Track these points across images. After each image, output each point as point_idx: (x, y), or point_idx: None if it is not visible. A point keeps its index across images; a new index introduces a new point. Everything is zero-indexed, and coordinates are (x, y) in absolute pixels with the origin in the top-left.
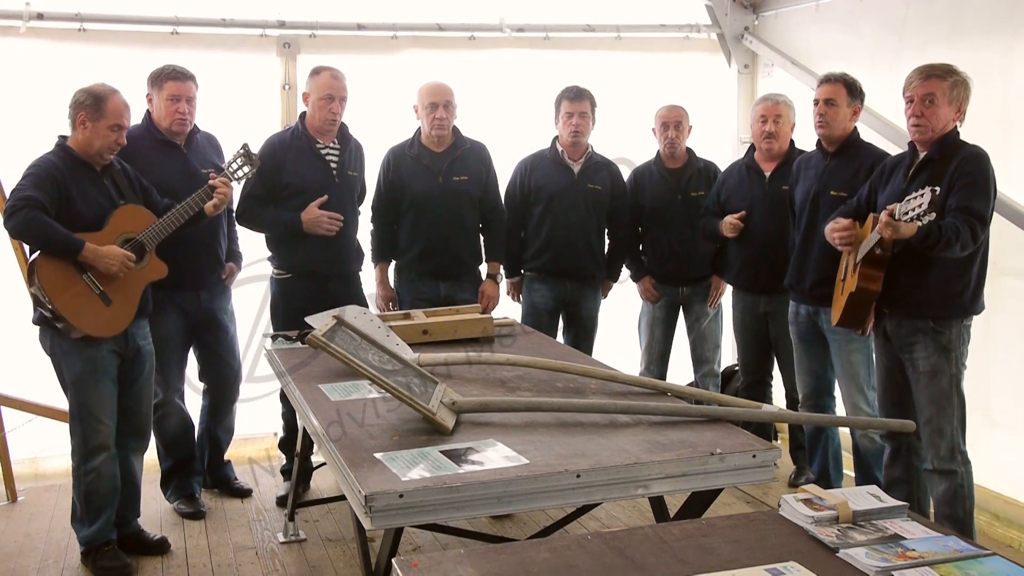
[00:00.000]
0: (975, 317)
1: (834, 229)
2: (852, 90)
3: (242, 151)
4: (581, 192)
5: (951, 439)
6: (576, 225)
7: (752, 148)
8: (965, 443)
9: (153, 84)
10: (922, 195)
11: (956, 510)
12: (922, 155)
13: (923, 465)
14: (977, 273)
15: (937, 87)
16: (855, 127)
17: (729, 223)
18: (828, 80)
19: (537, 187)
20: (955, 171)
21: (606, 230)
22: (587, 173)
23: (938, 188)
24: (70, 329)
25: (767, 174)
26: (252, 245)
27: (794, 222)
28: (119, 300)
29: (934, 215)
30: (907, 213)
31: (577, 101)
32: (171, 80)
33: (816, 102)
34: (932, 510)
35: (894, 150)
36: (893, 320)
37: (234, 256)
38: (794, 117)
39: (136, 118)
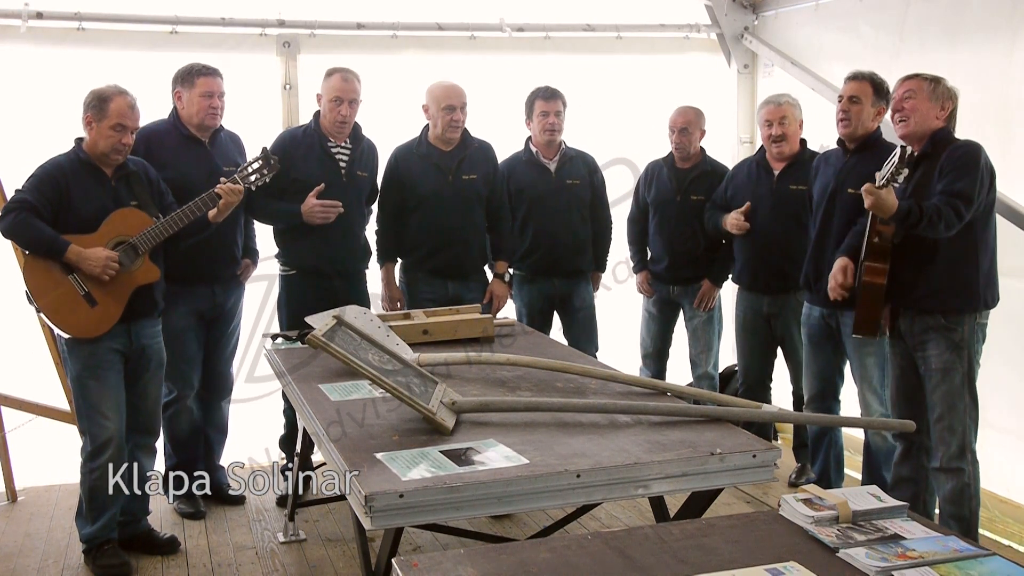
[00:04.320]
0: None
1: (834, 276)
2: (879, 90)
3: (260, 156)
4: (561, 190)
5: (962, 437)
6: (560, 224)
7: (763, 147)
8: (976, 442)
9: (183, 82)
10: (893, 155)
11: (962, 509)
12: (916, 153)
13: (932, 464)
14: (988, 263)
15: (916, 85)
16: (878, 127)
17: (733, 221)
18: (855, 77)
19: (518, 190)
20: (945, 160)
21: (589, 221)
22: (563, 169)
23: (908, 147)
24: (56, 328)
25: (776, 172)
26: (259, 244)
27: (811, 219)
28: (105, 302)
29: (906, 171)
30: (883, 176)
31: (552, 100)
32: (204, 76)
33: (840, 98)
34: (937, 510)
35: None
36: (906, 319)
37: (251, 253)
38: (800, 115)
39: (150, 116)
